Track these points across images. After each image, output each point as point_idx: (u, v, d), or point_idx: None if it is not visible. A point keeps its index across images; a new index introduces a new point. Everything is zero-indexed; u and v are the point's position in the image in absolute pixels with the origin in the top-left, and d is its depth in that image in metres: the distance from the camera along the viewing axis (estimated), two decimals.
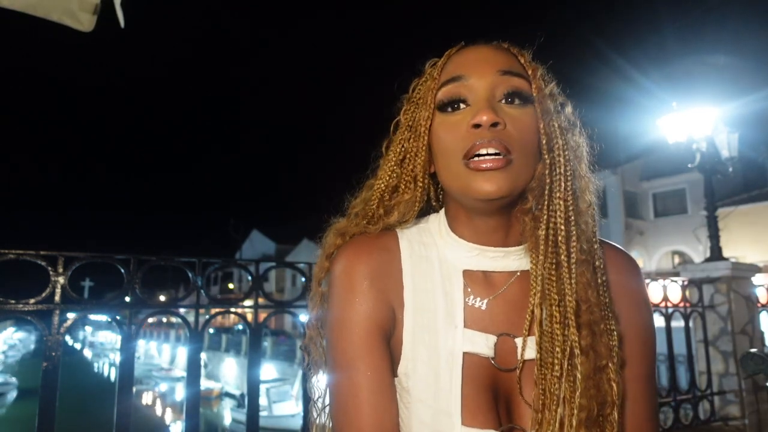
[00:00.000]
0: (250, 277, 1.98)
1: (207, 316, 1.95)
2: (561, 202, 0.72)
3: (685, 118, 6.15)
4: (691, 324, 3.61)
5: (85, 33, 1.95)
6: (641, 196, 20.57)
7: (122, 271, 1.73)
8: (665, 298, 3.38)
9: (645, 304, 0.80)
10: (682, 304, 3.52)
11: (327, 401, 0.80)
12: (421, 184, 0.80)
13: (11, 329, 58.79)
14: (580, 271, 0.71)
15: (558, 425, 0.66)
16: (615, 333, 0.71)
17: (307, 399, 1.95)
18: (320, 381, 0.82)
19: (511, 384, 0.73)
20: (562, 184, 0.72)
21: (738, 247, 15.23)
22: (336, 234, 0.81)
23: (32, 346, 60.07)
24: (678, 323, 3.48)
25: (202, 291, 1.88)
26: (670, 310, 3.40)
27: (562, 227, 0.71)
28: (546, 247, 0.71)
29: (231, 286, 39.45)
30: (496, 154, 0.69)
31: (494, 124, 0.70)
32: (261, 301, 2.02)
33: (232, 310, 2.06)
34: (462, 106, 0.74)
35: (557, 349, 0.68)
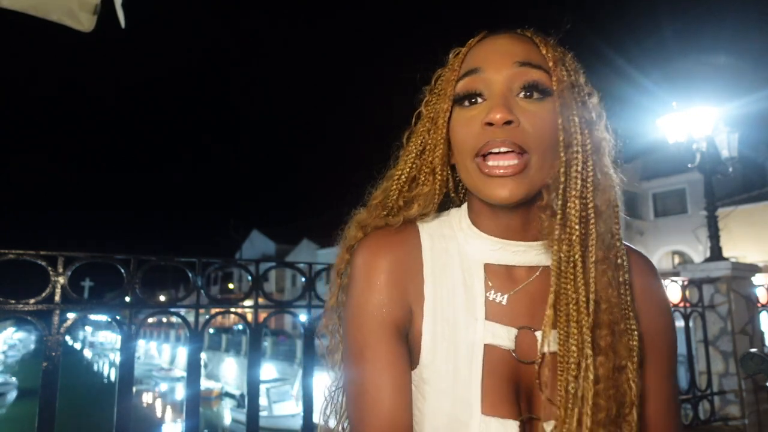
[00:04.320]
0: (250, 277, 1.98)
1: (207, 316, 1.95)
2: (576, 200, 0.70)
3: (685, 118, 6.14)
4: (691, 324, 3.61)
5: (85, 33, 1.95)
6: (641, 196, 20.56)
7: (122, 271, 1.73)
8: None
9: (665, 304, 0.81)
10: (682, 304, 3.52)
11: (333, 404, 0.82)
12: (439, 177, 0.80)
13: (11, 329, 58.75)
14: (601, 269, 0.70)
15: (576, 423, 0.65)
16: (635, 333, 0.71)
17: (307, 401, 1.95)
18: (327, 381, 0.83)
19: (532, 377, 0.72)
20: (578, 182, 0.71)
21: (738, 247, 15.22)
22: (357, 227, 0.81)
23: (32, 346, 60.05)
24: (678, 323, 3.45)
25: (202, 291, 1.88)
26: None
27: (576, 226, 0.70)
28: (560, 245, 0.70)
29: (231, 286, 39.44)
30: (508, 153, 0.68)
31: (508, 122, 0.68)
32: (261, 301, 2.02)
33: (232, 310, 2.06)
34: (479, 100, 0.73)
35: (572, 348, 0.68)
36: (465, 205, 0.82)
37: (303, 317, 2.10)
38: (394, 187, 0.81)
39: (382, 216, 0.80)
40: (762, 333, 4.24)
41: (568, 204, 0.70)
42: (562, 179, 0.71)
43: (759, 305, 4.25)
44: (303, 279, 2.05)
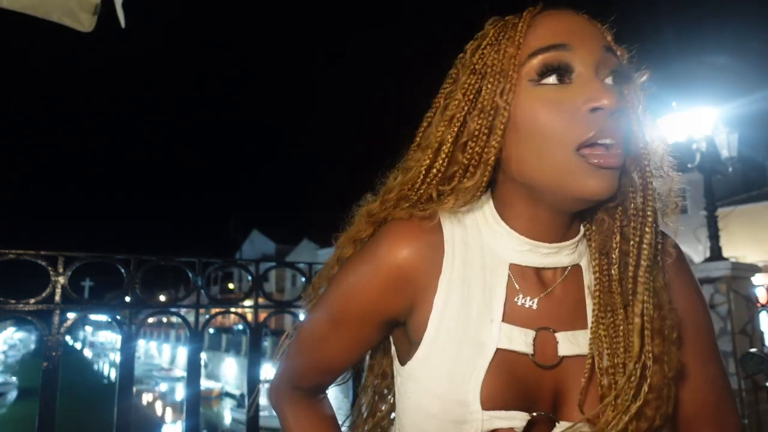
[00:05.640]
0: (250, 277, 1.98)
1: (207, 316, 1.95)
2: (645, 203, 0.65)
3: (685, 118, 6.15)
4: None
5: (85, 33, 1.95)
6: None
7: (122, 271, 1.73)
8: None
9: (697, 286, 0.75)
10: None
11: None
12: (490, 169, 0.67)
13: (11, 329, 58.80)
14: (655, 274, 0.65)
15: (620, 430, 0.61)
16: (680, 340, 0.66)
17: None
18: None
19: (552, 381, 0.67)
20: (647, 185, 0.65)
21: (738, 247, 15.22)
22: (368, 221, 0.75)
23: (32, 346, 60.07)
24: None
25: (202, 291, 1.88)
26: None
27: (638, 230, 0.65)
28: (619, 247, 0.65)
29: (231, 286, 39.43)
30: (614, 147, 0.60)
31: (617, 111, 0.60)
32: (261, 301, 2.02)
33: (232, 310, 2.06)
34: (566, 80, 0.62)
35: (630, 356, 0.63)
36: (489, 193, 0.73)
37: (303, 317, 2.10)
38: (420, 179, 0.71)
39: (405, 208, 0.72)
40: (762, 333, 4.24)
41: (635, 206, 0.66)
42: (639, 181, 0.66)
43: (759, 305, 4.26)
44: (303, 279, 2.05)
